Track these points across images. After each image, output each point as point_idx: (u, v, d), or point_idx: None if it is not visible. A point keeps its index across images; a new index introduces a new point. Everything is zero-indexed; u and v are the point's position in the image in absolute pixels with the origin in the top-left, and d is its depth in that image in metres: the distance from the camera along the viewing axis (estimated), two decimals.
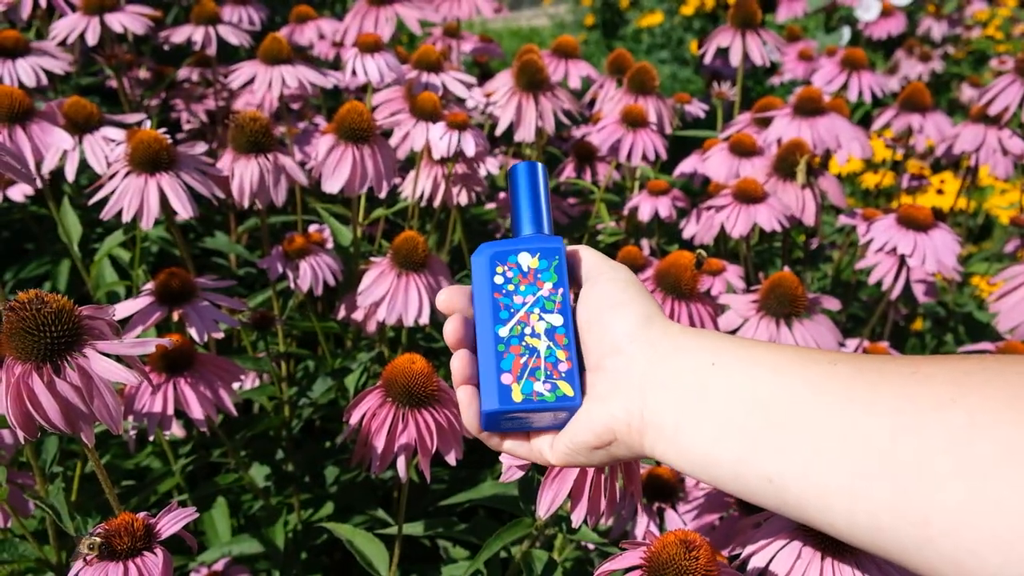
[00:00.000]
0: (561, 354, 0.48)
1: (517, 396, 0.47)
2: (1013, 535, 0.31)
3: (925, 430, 0.34)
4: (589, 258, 0.51)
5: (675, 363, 0.44)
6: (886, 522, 0.35)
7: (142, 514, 0.61)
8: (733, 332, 0.96)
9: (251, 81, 1.27)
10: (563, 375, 0.47)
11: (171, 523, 0.61)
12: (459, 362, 0.49)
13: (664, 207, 1.34)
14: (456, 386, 0.49)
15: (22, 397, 0.57)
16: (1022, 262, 1.05)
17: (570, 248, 0.53)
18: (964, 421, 0.34)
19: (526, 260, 0.51)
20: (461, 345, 0.49)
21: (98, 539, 0.57)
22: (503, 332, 0.49)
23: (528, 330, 0.49)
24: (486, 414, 0.47)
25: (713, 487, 0.43)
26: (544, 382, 0.47)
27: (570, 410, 0.47)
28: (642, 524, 0.85)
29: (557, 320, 0.49)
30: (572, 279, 0.51)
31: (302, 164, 1.40)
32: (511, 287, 0.50)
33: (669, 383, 0.43)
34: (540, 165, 0.54)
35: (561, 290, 0.50)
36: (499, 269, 0.51)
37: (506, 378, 0.47)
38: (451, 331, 0.50)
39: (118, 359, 0.61)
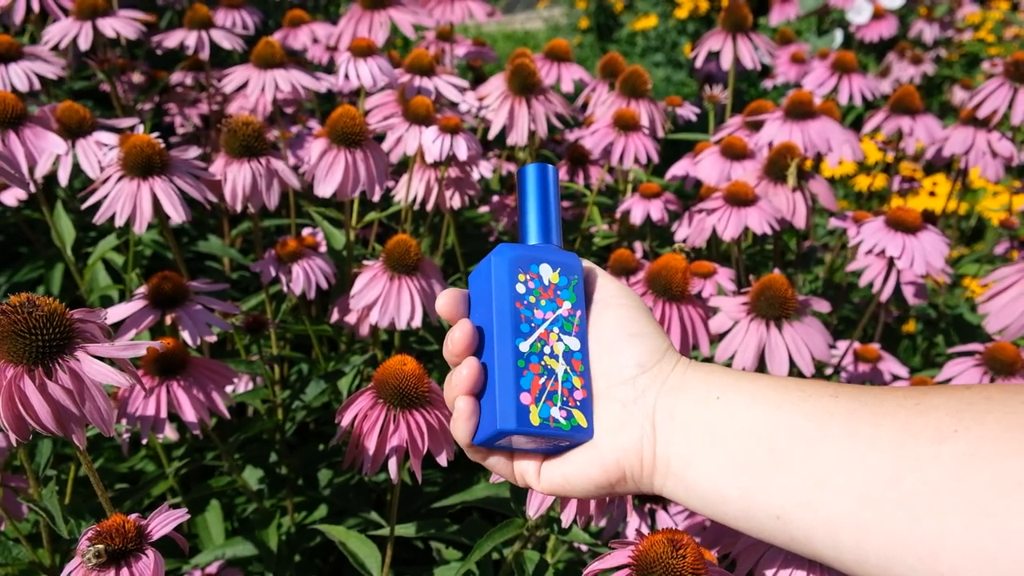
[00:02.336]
0: (577, 381, 0.46)
1: (535, 419, 0.44)
2: (1018, 568, 0.31)
3: (928, 462, 0.35)
4: (602, 280, 0.49)
5: (684, 397, 0.43)
6: (896, 555, 0.35)
7: (133, 516, 0.61)
8: (723, 335, 0.97)
9: (244, 85, 1.27)
10: (578, 404, 0.46)
11: (162, 525, 0.61)
12: (469, 371, 0.46)
13: (656, 210, 1.35)
14: (458, 395, 0.46)
15: (14, 400, 0.58)
16: (1011, 264, 1.06)
17: (584, 265, 0.51)
18: (967, 451, 0.34)
19: (547, 273, 0.48)
20: (469, 352, 0.47)
21: (103, 546, 0.58)
22: (523, 347, 0.46)
23: (548, 349, 0.46)
24: (499, 431, 0.44)
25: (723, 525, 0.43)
26: (560, 408, 0.45)
27: (579, 441, 0.45)
28: (633, 524, 0.85)
29: (575, 344, 0.47)
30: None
31: (296, 168, 1.40)
32: (532, 299, 0.47)
33: (679, 417, 0.43)
34: (551, 168, 0.51)
35: (579, 312, 0.47)
36: (521, 277, 0.47)
37: (525, 397, 0.45)
38: (461, 337, 0.46)
39: (110, 362, 0.61)
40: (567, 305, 0.47)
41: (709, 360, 1.19)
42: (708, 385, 0.43)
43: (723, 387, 0.43)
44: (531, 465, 0.48)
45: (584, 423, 0.45)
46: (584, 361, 0.47)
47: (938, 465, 0.34)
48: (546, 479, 0.47)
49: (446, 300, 0.48)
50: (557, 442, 0.46)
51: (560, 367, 0.46)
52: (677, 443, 0.43)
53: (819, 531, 0.37)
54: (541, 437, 0.45)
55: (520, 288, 0.47)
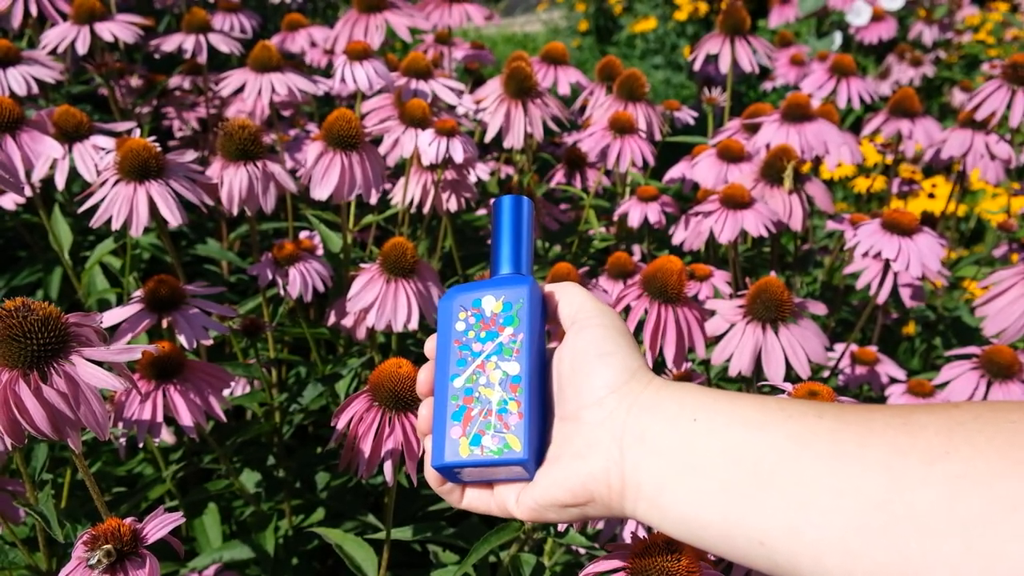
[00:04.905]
0: (513, 405, 0.46)
1: (464, 451, 0.45)
2: None
3: (919, 484, 0.34)
4: (577, 299, 0.48)
5: (656, 418, 0.42)
6: None
7: (129, 519, 0.61)
8: (719, 337, 0.97)
9: (241, 89, 1.28)
10: (512, 428, 0.45)
11: (158, 528, 0.61)
12: (425, 411, 0.48)
13: (653, 213, 1.35)
14: (422, 436, 0.48)
15: (9, 404, 0.58)
16: (1009, 267, 1.06)
17: (557, 286, 0.50)
18: (958, 473, 0.33)
19: (490, 304, 0.48)
20: (428, 394, 0.48)
21: (111, 546, 0.58)
22: (458, 383, 0.47)
23: (483, 380, 0.47)
24: (435, 468, 0.46)
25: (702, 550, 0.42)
26: (493, 436, 0.45)
27: (519, 464, 0.45)
28: (629, 528, 0.85)
29: (513, 368, 0.46)
30: (554, 320, 0.49)
31: (293, 171, 1.40)
32: (471, 334, 0.48)
33: (649, 440, 0.41)
34: (526, 200, 0.52)
35: (521, 335, 0.47)
36: (461, 315, 0.49)
37: (455, 431, 0.46)
38: (423, 380, 0.49)
39: (106, 366, 0.61)
40: (508, 331, 0.48)
41: (706, 363, 1.19)
42: (682, 405, 0.42)
43: (699, 407, 0.41)
44: (510, 493, 0.47)
45: (518, 447, 0.45)
46: (524, 383, 0.46)
47: (929, 487, 0.33)
48: (523, 505, 0.46)
49: (429, 346, 0.50)
50: (495, 470, 0.46)
51: (496, 394, 0.46)
52: (648, 467, 0.41)
53: (804, 556, 0.36)
54: (479, 467, 0.46)
55: (460, 326, 0.48)
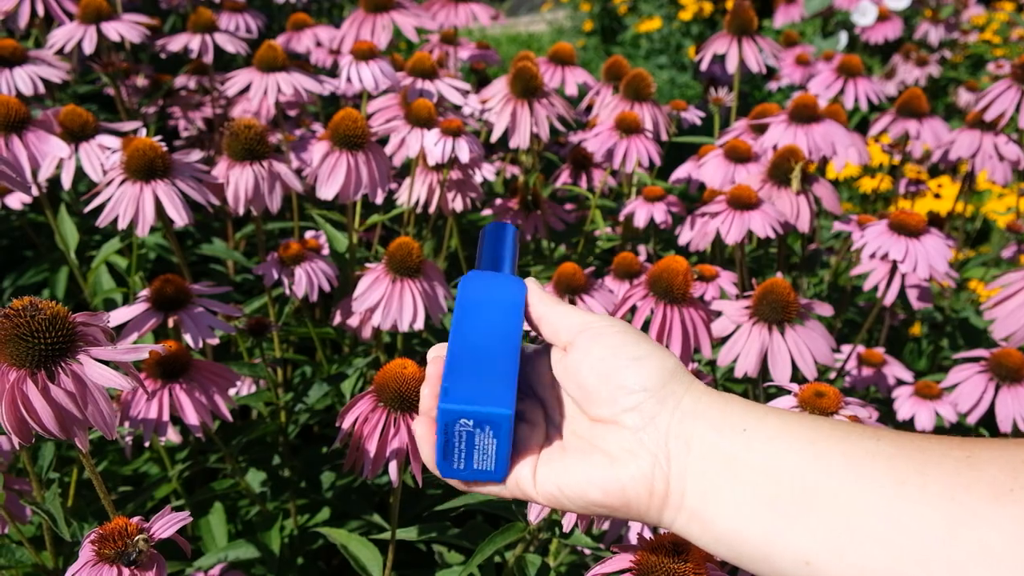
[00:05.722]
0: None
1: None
2: None
3: (986, 522, 0.33)
4: (573, 312, 0.46)
5: (703, 426, 0.40)
6: None
7: (136, 518, 0.61)
8: (725, 338, 0.96)
9: (247, 88, 1.28)
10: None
11: (165, 527, 0.61)
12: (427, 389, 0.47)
13: (659, 213, 1.35)
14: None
15: (17, 403, 0.58)
16: (1018, 269, 1.05)
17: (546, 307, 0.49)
18: None
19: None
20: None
21: (144, 536, 0.58)
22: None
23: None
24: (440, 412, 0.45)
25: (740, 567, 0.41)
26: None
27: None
28: (635, 528, 0.85)
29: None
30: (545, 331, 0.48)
31: (299, 171, 1.40)
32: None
33: (696, 448, 0.40)
34: (510, 227, 0.54)
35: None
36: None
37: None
38: (432, 374, 0.48)
39: (113, 365, 0.61)
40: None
41: (712, 364, 1.18)
42: (728, 415, 0.40)
43: (748, 418, 0.40)
44: (526, 471, 0.44)
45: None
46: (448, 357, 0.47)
47: (997, 526, 0.32)
48: (543, 487, 0.44)
49: (432, 353, 0.50)
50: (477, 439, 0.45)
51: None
52: (693, 475, 0.40)
53: None
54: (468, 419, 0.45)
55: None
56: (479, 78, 2.06)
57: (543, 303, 0.48)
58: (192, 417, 0.87)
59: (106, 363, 0.61)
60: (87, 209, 0.97)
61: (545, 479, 0.44)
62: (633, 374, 0.43)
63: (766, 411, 0.40)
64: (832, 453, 0.37)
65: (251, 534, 1.06)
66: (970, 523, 0.33)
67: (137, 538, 0.57)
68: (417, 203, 1.26)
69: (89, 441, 0.64)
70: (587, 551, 0.93)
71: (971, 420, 1.05)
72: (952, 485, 0.34)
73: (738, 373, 0.94)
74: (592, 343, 0.45)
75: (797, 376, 0.95)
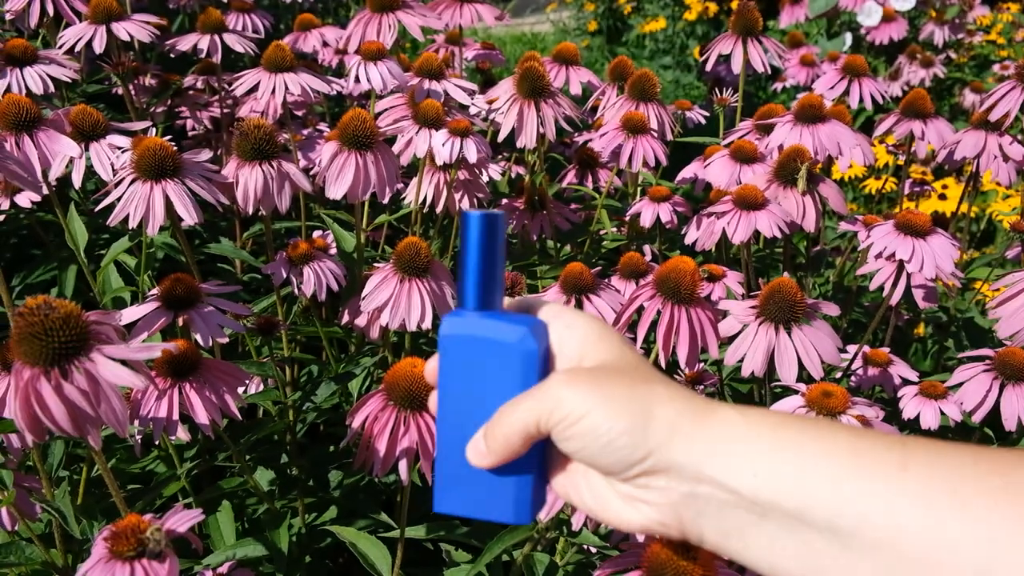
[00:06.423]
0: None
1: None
2: None
3: None
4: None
5: (717, 469, 0.38)
6: None
7: (148, 515, 0.62)
8: (732, 338, 0.97)
9: (255, 88, 1.28)
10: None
11: (179, 523, 0.62)
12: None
13: (665, 213, 1.35)
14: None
15: (30, 401, 0.58)
16: (1023, 269, 1.06)
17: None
18: None
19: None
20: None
21: (157, 527, 0.59)
22: None
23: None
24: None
25: None
26: None
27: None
28: None
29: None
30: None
31: (306, 170, 1.41)
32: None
33: (713, 502, 0.38)
34: (500, 216, 0.43)
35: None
36: None
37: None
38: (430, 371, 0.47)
39: (125, 364, 0.62)
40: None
41: (718, 363, 1.19)
42: (737, 455, 0.38)
43: (759, 460, 0.37)
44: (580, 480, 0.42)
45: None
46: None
47: None
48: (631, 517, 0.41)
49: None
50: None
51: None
52: (712, 523, 0.38)
53: None
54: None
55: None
56: (484, 78, 2.06)
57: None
58: (202, 415, 0.88)
59: (119, 361, 0.61)
60: (98, 207, 0.97)
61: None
62: (611, 463, 0.40)
63: (773, 445, 0.37)
64: (861, 494, 0.35)
65: (259, 532, 1.06)
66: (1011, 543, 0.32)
67: (153, 530, 0.58)
68: (424, 202, 1.27)
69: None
70: (593, 549, 0.94)
71: (976, 419, 1.05)
72: (990, 509, 0.33)
73: (744, 372, 0.95)
74: (566, 443, 0.41)
75: (803, 375, 0.96)
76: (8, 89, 1.17)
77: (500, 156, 1.74)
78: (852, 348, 1.23)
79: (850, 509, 0.34)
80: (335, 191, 1.05)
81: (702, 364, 1.30)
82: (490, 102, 1.38)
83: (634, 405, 0.38)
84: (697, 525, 0.39)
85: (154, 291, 0.94)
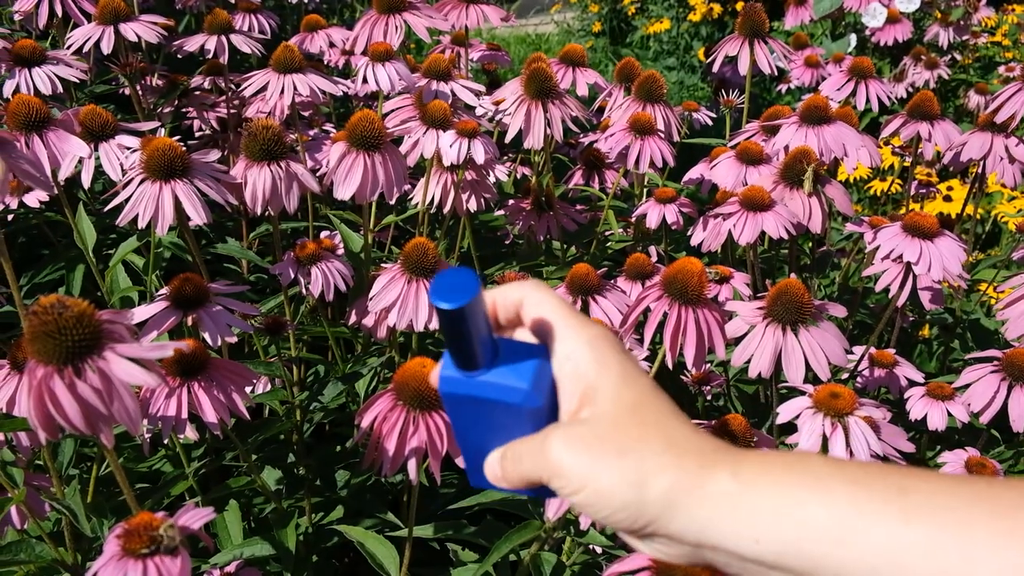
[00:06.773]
0: None
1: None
2: None
3: None
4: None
5: (722, 539, 0.38)
6: None
7: (160, 514, 0.62)
8: (739, 339, 0.97)
9: (263, 89, 1.28)
10: None
11: (192, 520, 0.62)
12: None
13: (671, 214, 1.35)
14: None
15: (44, 399, 0.59)
16: None
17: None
18: None
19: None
20: None
21: (170, 523, 0.59)
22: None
23: None
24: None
25: None
26: None
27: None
28: None
29: None
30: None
31: (313, 171, 1.41)
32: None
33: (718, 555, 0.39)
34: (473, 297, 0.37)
35: None
36: None
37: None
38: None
39: (137, 362, 0.62)
40: None
41: (724, 364, 1.19)
42: (733, 520, 0.38)
43: (757, 519, 0.37)
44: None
45: None
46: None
47: None
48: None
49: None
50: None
51: None
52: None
53: None
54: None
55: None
56: (490, 79, 2.06)
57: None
58: (211, 414, 0.88)
59: (132, 360, 0.62)
60: (107, 208, 0.98)
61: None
62: (615, 526, 0.40)
63: (774, 507, 0.37)
64: (866, 542, 0.35)
65: (266, 531, 1.06)
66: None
67: (166, 527, 0.58)
68: (431, 203, 1.27)
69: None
70: (599, 549, 0.94)
71: (984, 420, 1.05)
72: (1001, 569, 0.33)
73: (752, 373, 0.95)
74: (571, 502, 0.41)
75: (810, 376, 0.96)
76: (17, 89, 1.18)
77: (505, 157, 1.74)
78: (858, 350, 1.24)
79: (857, 566, 0.35)
80: (343, 192, 1.05)
81: (708, 365, 1.31)
82: (497, 103, 1.39)
83: (628, 475, 0.38)
84: (708, 564, 0.40)
85: (163, 291, 0.94)
